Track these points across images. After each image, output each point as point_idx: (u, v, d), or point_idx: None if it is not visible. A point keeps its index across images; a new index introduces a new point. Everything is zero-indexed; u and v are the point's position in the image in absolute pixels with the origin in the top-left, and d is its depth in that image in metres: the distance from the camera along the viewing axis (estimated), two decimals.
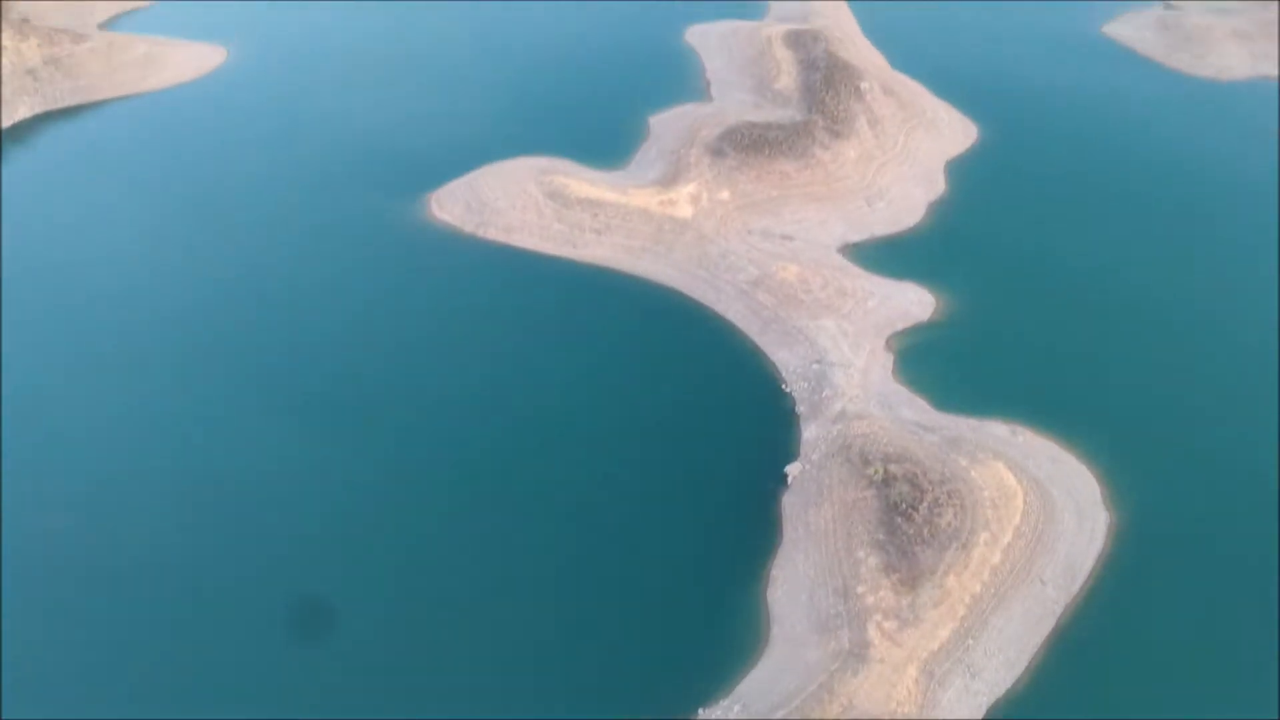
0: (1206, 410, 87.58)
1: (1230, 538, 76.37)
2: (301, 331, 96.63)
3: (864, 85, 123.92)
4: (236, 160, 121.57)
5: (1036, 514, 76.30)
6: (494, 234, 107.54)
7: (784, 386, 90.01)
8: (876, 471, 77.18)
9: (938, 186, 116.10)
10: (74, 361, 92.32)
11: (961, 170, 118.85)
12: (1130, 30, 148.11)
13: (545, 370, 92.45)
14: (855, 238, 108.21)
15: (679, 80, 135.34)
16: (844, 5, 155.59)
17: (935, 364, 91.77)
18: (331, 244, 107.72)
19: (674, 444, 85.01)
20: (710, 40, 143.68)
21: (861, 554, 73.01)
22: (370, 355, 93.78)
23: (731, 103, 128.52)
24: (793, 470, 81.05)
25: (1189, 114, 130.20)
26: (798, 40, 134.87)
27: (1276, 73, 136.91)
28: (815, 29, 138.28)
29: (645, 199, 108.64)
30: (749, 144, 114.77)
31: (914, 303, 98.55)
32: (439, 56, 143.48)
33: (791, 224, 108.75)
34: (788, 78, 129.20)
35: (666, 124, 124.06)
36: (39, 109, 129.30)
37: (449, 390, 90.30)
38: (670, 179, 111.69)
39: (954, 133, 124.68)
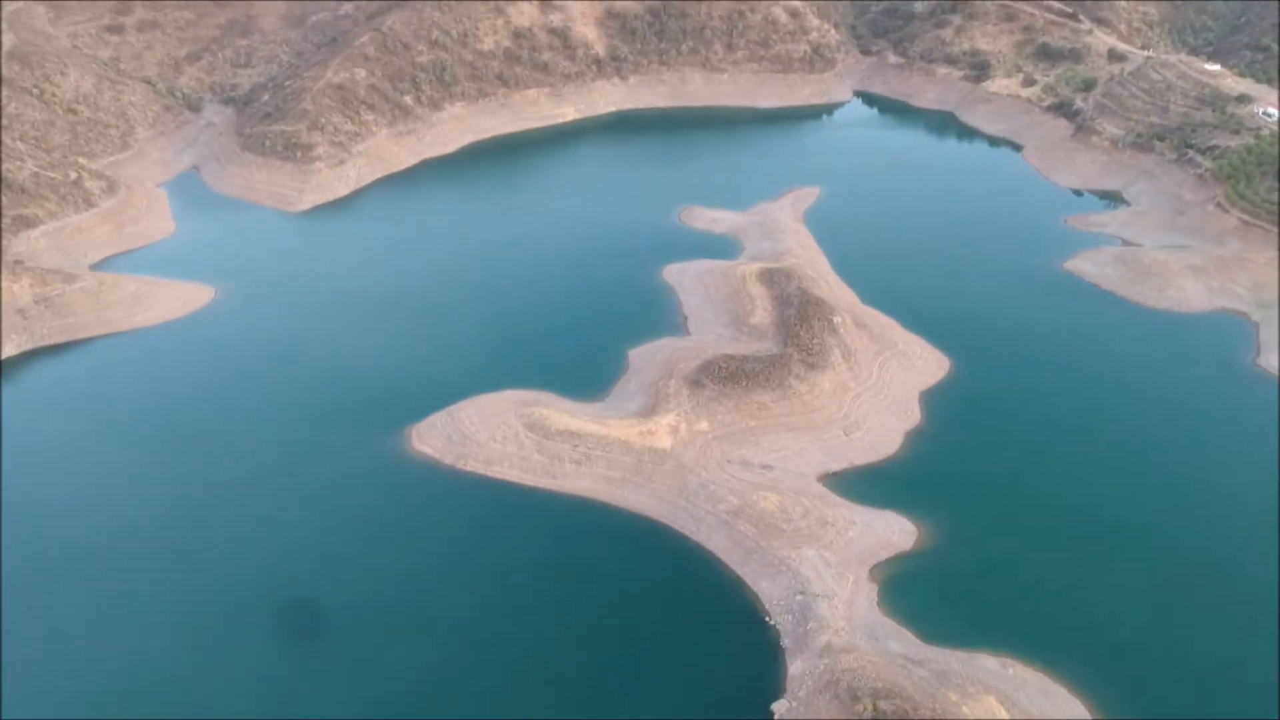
0: (1197, 638, 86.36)
1: None
2: (281, 567, 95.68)
3: (837, 319, 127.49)
4: (218, 396, 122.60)
5: None
6: (474, 466, 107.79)
7: (768, 619, 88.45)
8: (866, 709, 74.80)
9: (913, 416, 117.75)
10: (62, 604, 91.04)
11: (936, 400, 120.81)
12: (1090, 266, 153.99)
13: (525, 603, 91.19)
14: (834, 467, 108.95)
15: (657, 315, 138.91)
16: (814, 244, 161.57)
17: (920, 594, 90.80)
18: (312, 478, 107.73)
19: (657, 680, 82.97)
20: (687, 278, 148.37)
21: None
22: (351, 590, 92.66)
23: (708, 337, 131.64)
24: (779, 708, 78.66)
25: (1154, 344, 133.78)
26: (771, 278, 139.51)
27: (1232, 305, 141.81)
28: (788, 267, 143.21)
29: (625, 430, 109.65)
30: (726, 376, 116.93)
31: (896, 532, 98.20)
32: (420, 293, 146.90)
33: (770, 453, 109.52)
34: (763, 313, 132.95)
35: (645, 357, 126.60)
36: (26, 346, 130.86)
37: (430, 625, 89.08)
38: (649, 410, 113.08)
39: (926, 364, 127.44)
